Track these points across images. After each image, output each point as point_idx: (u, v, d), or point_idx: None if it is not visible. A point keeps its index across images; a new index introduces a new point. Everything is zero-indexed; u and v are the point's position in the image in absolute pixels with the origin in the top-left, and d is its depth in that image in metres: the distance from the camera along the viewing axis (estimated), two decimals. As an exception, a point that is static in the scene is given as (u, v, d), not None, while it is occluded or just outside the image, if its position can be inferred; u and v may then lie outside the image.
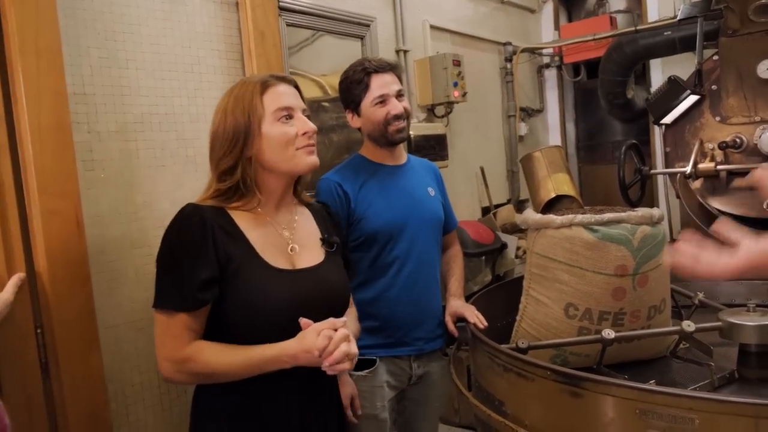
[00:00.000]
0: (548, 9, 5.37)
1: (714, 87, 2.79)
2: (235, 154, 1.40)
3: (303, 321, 1.30)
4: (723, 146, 2.59)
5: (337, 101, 3.13)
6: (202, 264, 1.30)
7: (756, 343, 1.79)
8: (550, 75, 5.34)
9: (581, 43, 4.77)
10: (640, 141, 3.48)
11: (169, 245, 1.34)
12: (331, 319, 1.29)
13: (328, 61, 3.29)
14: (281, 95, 1.44)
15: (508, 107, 4.78)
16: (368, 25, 3.47)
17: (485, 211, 4.35)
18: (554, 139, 5.40)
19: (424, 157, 3.51)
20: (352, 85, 1.97)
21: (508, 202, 4.64)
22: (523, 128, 4.89)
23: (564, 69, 5.22)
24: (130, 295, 2.03)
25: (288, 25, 2.99)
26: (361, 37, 3.46)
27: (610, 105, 4.47)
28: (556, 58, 5.17)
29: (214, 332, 1.35)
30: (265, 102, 1.42)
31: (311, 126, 1.46)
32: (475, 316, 1.94)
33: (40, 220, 1.62)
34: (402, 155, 2.08)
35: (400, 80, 2.02)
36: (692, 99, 2.80)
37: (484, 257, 3.46)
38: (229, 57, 2.15)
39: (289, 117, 1.44)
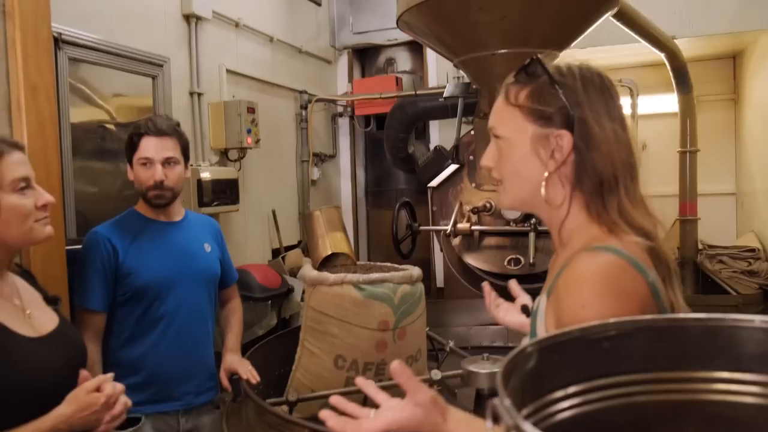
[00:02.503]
0: (343, 61, 5.74)
1: (471, 157, 3.25)
2: None
3: (84, 374, 1.34)
4: (475, 211, 3.03)
5: (123, 126, 3.08)
6: None
7: (488, 387, 2.14)
8: (344, 123, 5.69)
9: (370, 99, 5.18)
10: (422, 191, 3.82)
11: None
12: (100, 376, 1.35)
13: (119, 80, 3.20)
14: (17, 165, 1.37)
15: (302, 152, 4.99)
16: (161, 65, 3.43)
17: (276, 252, 4.48)
18: (345, 183, 5.73)
19: (214, 201, 3.57)
20: (128, 140, 2.00)
21: (300, 243, 4.81)
22: (315, 173, 5.13)
23: (356, 119, 5.59)
24: None
25: (70, 59, 2.87)
26: (154, 77, 3.41)
27: (394, 157, 4.89)
28: (349, 109, 5.53)
29: None
30: (2, 171, 1.33)
31: (49, 197, 1.43)
32: (248, 372, 2.03)
33: None
34: (178, 212, 2.11)
35: (183, 147, 2.03)
36: (453, 168, 3.24)
37: (270, 301, 3.56)
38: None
39: (27, 187, 1.38)
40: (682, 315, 0.93)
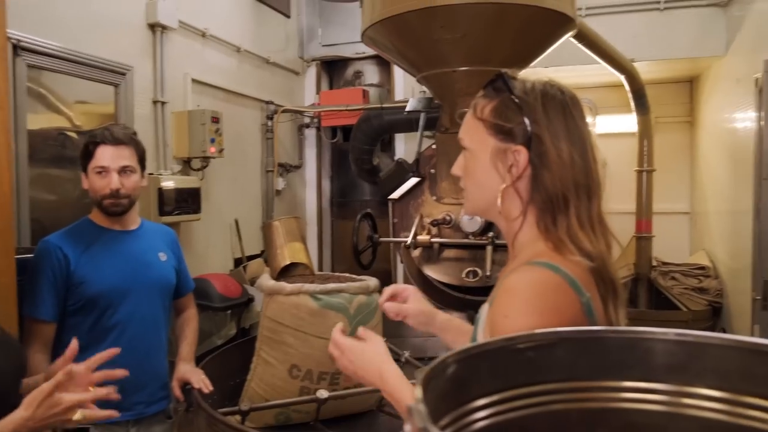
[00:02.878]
0: (311, 73, 5.77)
1: (432, 171, 3.30)
2: None
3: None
4: (435, 223, 3.07)
5: (84, 133, 3.06)
6: None
7: (439, 397, 2.16)
8: (310, 134, 5.71)
9: (337, 111, 5.21)
10: (386, 203, 3.86)
11: None
12: (56, 377, 1.31)
13: (81, 87, 3.19)
14: None
15: (267, 162, 4.99)
16: (124, 74, 3.41)
17: (238, 261, 4.46)
18: (311, 194, 5.74)
19: (176, 210, 3.55)
20: (83, 149, 1.98)
21: (262, 253, 4.80)
22: (280, 183, 5.13)
23: (322, 130, 5.62)
24: None
25: (29, 66, 2.84)
26: (116, 85, 3.38)
27: (359, 169, 4.92)
28: (316, 120, 5.56)
29: None
30: None
31: None
32: (200, 381, 2.02)
33: None
34: (133, 221, 2.10)
35: (140, 156, 2.03)
36: (414, 180, 3.29)
37: (230, 311, 3.54)
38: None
39: None
40: (603, 327, 0.97)
